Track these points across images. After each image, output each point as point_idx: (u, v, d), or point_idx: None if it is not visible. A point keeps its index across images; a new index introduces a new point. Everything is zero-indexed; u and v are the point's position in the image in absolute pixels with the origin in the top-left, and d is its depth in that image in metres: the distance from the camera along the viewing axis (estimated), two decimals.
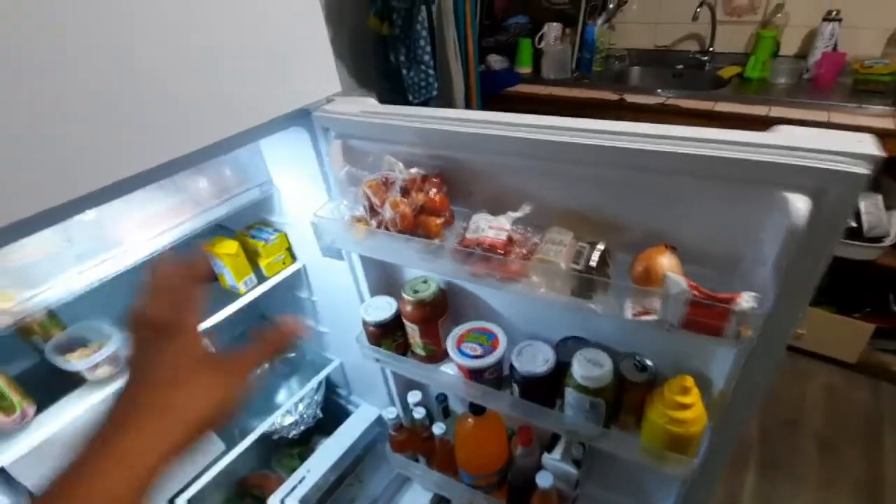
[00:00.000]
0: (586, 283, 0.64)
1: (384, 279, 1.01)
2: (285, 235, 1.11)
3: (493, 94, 2.06)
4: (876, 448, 1.59)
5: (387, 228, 0.74)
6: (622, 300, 0.63)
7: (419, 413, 1.07)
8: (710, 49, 2.06)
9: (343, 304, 1.11)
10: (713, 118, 1.69)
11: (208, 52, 0.64)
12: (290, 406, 1.30)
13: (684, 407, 0.68)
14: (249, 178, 1.00)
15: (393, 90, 1.87)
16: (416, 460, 1.20)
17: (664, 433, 0.70)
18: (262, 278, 1.09)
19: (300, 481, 1.23)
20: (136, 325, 0.38)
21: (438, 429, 1.04)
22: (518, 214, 0.70)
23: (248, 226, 1.14)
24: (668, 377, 0.74)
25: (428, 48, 1.73)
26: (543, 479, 0.93)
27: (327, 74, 0.80)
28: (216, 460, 1.14)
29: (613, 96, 1.89)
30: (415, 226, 0.74)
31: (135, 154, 0.60)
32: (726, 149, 0.55)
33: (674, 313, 0.57)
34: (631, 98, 1.85)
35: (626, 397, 0.77)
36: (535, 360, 0.80)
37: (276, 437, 1.36)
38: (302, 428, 1.36)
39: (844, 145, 0.51)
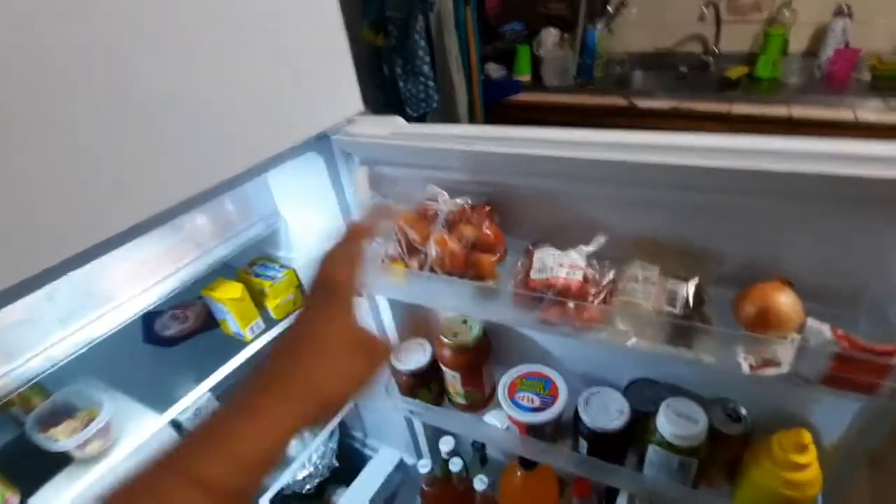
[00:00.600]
0: (685, 329, 0.53)
1: (412, 320, 0.89)
2: (294, 272, 0.98)
3: (494, 104, 1.96)
4: None
5: (431, 269, 0.62)
6: (731, 348, 0.53)
7: (456, 466, 0.95)
8: (716, 50, 2.00)
9: None
10: (731, 121, 1.62)
11: (211, 74, 0.52)
12: (306, 458, 1.16)
13: (801, 467, 0.57)
14: (253, 212, 0.88)
15: (388, 103, 1.76)
16: None
17: (775, 498, 0.59)
18: (270, 322, 0.96)
19: None
20: (319, 286, 0.38)
21: (481, 483, 0.92)
22: (592, 248, 0.59)
23: (251, 262, 1.01)
24: (761, 426, 0.64)
25: (427, 58, 1.63)
26: None
27: (348, 91, 0.68)
28: None
29: (623, 101, 1.81)
30: (466, 266, 0.62)
31: (129, 205, 0.48)
32: (850, 164, 0.45)
33: (811, 368, 0.46)
34: (642, 103, 1.77)
35: (717, 452, 0.66)
36: (608, 411, 0.69)
37: (288, 492, 1.22)
38: (317, 480, 1.22)
39: None
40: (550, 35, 2.11)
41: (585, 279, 0.58)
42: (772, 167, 0.47)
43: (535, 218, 0.67)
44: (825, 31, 1.75)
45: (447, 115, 1.74)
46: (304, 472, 1.19)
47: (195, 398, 0.87)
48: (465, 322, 0.79)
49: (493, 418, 0.84)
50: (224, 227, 0.83)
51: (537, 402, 0.73)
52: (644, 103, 1.77)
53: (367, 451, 1.33)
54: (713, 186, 0.52)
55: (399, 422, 1.15)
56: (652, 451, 0.65)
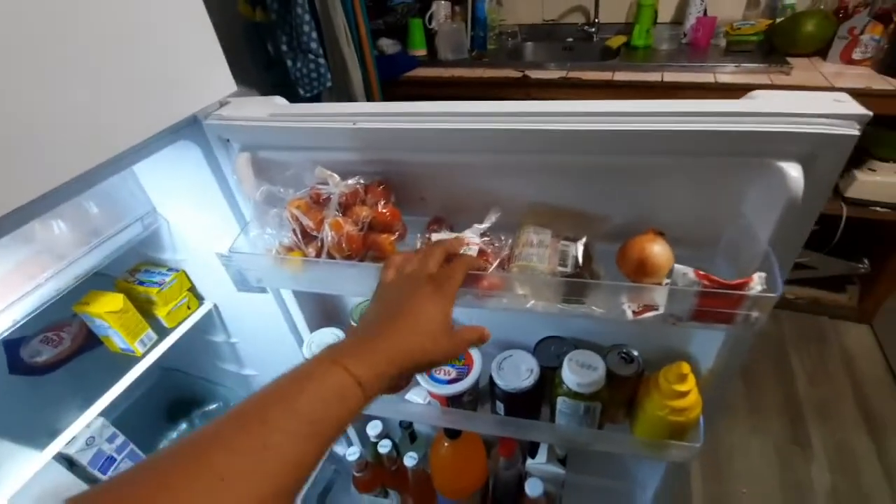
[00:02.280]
0: (578, 286, 0.56)
1: (323, 308, 0.86)
2: (184, 274, 0.90)
3: (390, 80, 1.91)
4: (786, 370, 1.79)
5: (329, 255, 0.60)
6: (617, 298, 0.57)
7: (385, 447, 0.95)
8: (596, 20, 2.11)
9: (271, 341, 0.94)
10: (613, 87, 1.73)
11: (56, 53, 0.44)
12: None
13: (683, 395, 0.65)
14: (125, 212, 0.78)
15: (277, 84, 1.64)
16: (387, 495, 1.08)
17: (665, 424, 0.66)
18: (163, 331, 0.88)
19: None
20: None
21: (410, 460, 0.93)
22: (485, 225, 0.60)
23: (132, 269, 0.91)
24: (652, 364, 0.71)
25: (314, 34, 1.53)
26: (533, 488, 0.88)
27: (216, 70, 0.62)
28: None
29: (516, 73, 1.85)
30: (365, 247, 0.61)
31: None
32: (712, 121, 0.50)
33: (681, 306, 0.52)
34: (534, 74, 1.83)
35: (615, 392, 0.72)
36: (518, 372, 0.72)
37: None
38: None
39: (829, 107, 0.48)
40: (442, 7, 2.09)
41: (482, 253, 0.59)
42: (641, 127, 0.51)
43: (433, 194, 0.67)
44: (687, 1, 1.92)
45: (342, 94, 1.67)
46: None
47: (83, 426, 0.78)
48: None
49: (415, 396, 0.84)
50: (89, 233, 0.73)
51: (453, 374, 0.74)
52: (536, 74, 1.83)
53: None
54: (593, 148, 0.55)
55: None
56: (561, 402, 0.70)
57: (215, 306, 0.95)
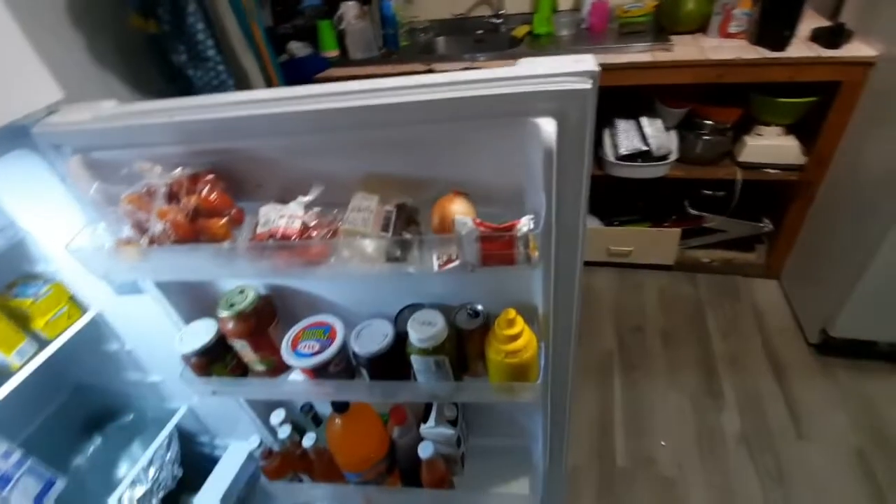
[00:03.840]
0: (399, 245, 0.61)
1: (197, 302, 0.89)
2: (61, 285, 0.92)
3: (301, 83, 1.94)
4: (702, 328, 1.90)
5: (160, 243, 0.64)
6: (431, 255, 0.63)
7: (284, 432, 0.98)
8: (502, 12, 2.19)
9: (163, 343, 0.95)
10: None
11: None
12: (137, 475, 1.11)
13: (514, 338, 0.71)
14: None
15: (184, 93, 1.66)
16: (301, 481, 1.11)
17: (505, 367, 0.72)
18: (43, 343, 0.89)
19: None
20: None
21: (309, 440, 0.97)
22: (309, 198, 0.65)
23: (10, 284, 0.92)
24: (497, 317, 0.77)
25: (209, 42, 1.55)
26: (424, 450, 0.93)
27: (35, 79, 0.65)
28: None
29: (422, 67, 1.91)
30: (194, 233, 0.64)
31: None
32: (473, 87, 0.56)
33: (470, 253, 0.58)
34: (439, 67, 1.89)
35: (468, 346, 0.78)
36: (375, 338, 0.77)
37: None
38: (162, 494, 1.17)
39: (570, 66, 0.55)
40: (350, 8, 2.13)
41: (304, 226, 0.63)
42: (414, 98, 0.57)
43: (268, 180, 0.71)
44: None
45: None
46: (142, 489, 1.13)
47: None
48: (241, 292, 0.81)
49: (297, 376, 0.88)
50: None
51: (317, 347, 0.78)
52: (441, 67, 1.89)
53: (218, 453, 1.30)
54: (387, 121, 0.60)
55: (239, 414, 1.15)
56: (413, 361, 0.75)
57: (100, 314, 0.97)
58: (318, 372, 0.79)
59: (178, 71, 1.64)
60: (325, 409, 1.11)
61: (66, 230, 0.79)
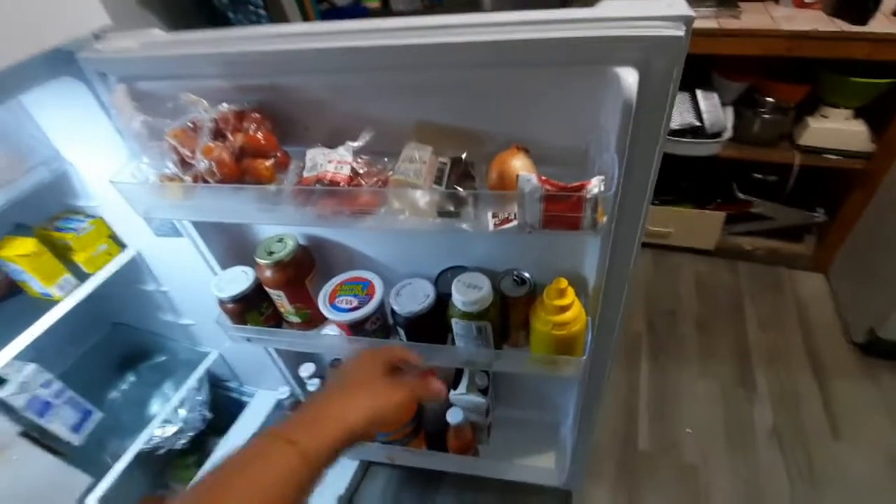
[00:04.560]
0: (453, 200, 0.57)
1: (234, 248, 0.88)
2: (102, 221, 0.91)
3: None
4: (739, 318, 1.83)
5: (205, 182, 0.61)
6: (486, 213, 0.58)
7: (313, 385, 0.98)
8: None
9: (198, 288, 0.95)
10: None
11: None
12: (168, 414, 1.14)
13: (564, 309, 0.67)
14: (26, 156, 0.79)
15: None
16: None
17: (550, 339, 0.69)
18: (84, 276, 0.90)
19: None
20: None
21: None
22: (359, 144, 0.61)
23: (52, 218, 0.92)
24: (543, 285, 0.73)
25: None
26: (454, 416, 0.92)
27: (85, 2, 0.62)
28: (84, 495, 0.96)
29: None
30: (239, 173, 0.62)
31: None
32: (549, 28, 0.51)
33: (532, 214, 0.53)
34: None
35: (511, 314, 0.75)
36: (415, 298, 0.74)
37: (162, 451, 1.19)
38: (190, 434, 1.20)
39: (660, 10, 0.49)
40: None
41: (354, 171, 0.60)
42: (507, 37, 0.51)
43: (315, 123, 0.67)
44: None
45: None
46: (173, 429, 1.17)
47: (2, 366, 0.80)
48: (280, 240, 0.79)
49: (330, 331, 0.87)
50: None
51: (355, 303, 0.76)
52: None
53: (245, 399, 1.32)
54: (453, 61, 0.56)
55: (268, 363, 1.15)
56: (454, 324, 0.72)
57: (139, 254, 0.97)
58: (355, 328, 0.77)
59: (219, 13, 1.60)
60: None
61: (109, 164, 0.78)
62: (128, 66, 0.64)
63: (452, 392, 0.95)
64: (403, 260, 0.84)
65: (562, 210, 0.52)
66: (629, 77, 0.50)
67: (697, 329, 1.82)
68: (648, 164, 0.58)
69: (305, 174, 0.60)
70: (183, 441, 1.19)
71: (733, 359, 1.70)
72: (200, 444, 1.26)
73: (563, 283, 0.66)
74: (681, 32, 0.47)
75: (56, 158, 0.81)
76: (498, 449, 1.07)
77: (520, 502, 1.32)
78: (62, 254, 0.88)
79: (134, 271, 0.99)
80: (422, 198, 0.56)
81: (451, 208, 0.57)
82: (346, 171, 0.59)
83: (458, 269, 0.79)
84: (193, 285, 0.98)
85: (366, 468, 1.39)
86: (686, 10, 0.48)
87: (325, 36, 0.56)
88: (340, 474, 1.32)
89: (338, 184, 0.58)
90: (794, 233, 2.03)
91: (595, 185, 0.50)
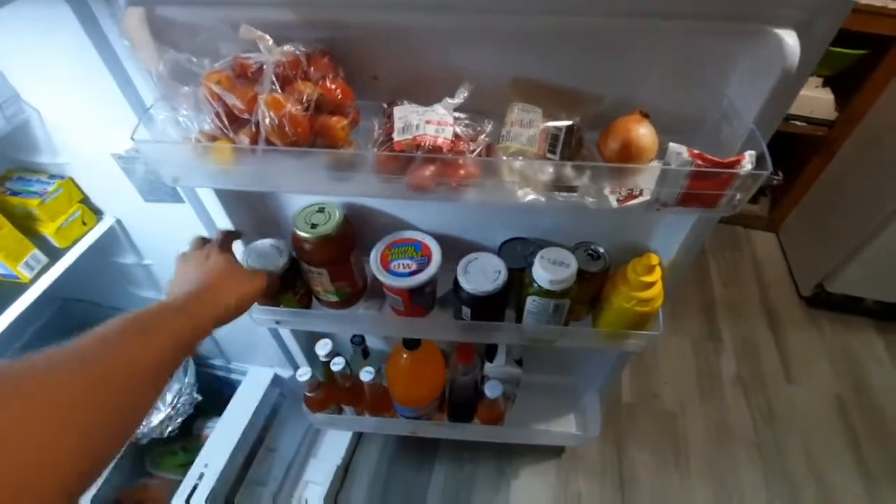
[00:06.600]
0: (577, 173, 0.50)
1: (255, 214, 0.75)
2: (72, 182, 0.73)
3: None
4: (705, 276, 1.95)
5: (268, 143, 0.49)
6: (602, 187, 0.52)
7: (338, 365, 0.90)
8: None
9: None
10: None
11: None
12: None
13: (650, 285, 0.64)
14: None
15: None
16: (341, 411, 1.05)
17: (631, 315, 0.67)
18: (54, 253, 0.72)
19: (200, 477, 0.99)
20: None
21: (367, 374, 0.90)
22: (458, 100, 0.51)
23: (0, 177, 0.72)
24: (616, 260, 0.70)
25: None
26: (493, 390, 0.88)
27: None
28: None
29: None
30: (312, 133, 0.50)
31: None
32: None
33: (671, 190, 0.48)
34: None
35: (582, 289, 0.71)
36: (486, 274, 0.67)
37: (144, 441, 1.06)
38: (179, 420, 1.08)
39: None
40: None
41: (456, 135, 0.51)
42: None
43: (388, 70, 0.56)
44: None
45: None
46: (161, 415, 1.03)
47: None
48: (321, 210, 0.68)
49: (366, 308, 0.78)
50: None
51: (414, 266, 0.68)
52: None
53: (235, 377, 1.20)
54: (599, 5, 0.47)
55: (264, 337, 1.04)
56: (530, 302, 0.67)
57: (118, 221, 0.80)
58: (415, 294, 0.69)
59: None
60: (375, 342, 1.03)
61: (97, 113, 0.61)
62: None
63: (490, 365, 0.92)
64: (454, 226, 0.76)
65: (706, 187, 0.47)
66: (789, 39, 0.45)
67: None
68: (768, 134, 0.54)
69: (397, 137, 0.49)
70: (171, 429, 1.06)
71: (701, 314, 1.83)
72: (189, 429, 1.14)
73: (654, 259, 0.63)
74: None
75: (13, 101, 0.62)
76: (521, 415, 1.07)
77: (515, 459, 1.37)
78: (23, 225, 0.70)
79: (110, 242, 0.82)
80: (545, 169, 0.49)
81: (573, 182, 0.50)
82: (449, 133, 0.50)
83: (520, 242, 0.73)
84: None
85: (359, 437, 1.35)
86: None
87: None
88: (336, 445, 1.27)
89: (440, 150, 0.49)
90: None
91: (748, 161, 0.46)
